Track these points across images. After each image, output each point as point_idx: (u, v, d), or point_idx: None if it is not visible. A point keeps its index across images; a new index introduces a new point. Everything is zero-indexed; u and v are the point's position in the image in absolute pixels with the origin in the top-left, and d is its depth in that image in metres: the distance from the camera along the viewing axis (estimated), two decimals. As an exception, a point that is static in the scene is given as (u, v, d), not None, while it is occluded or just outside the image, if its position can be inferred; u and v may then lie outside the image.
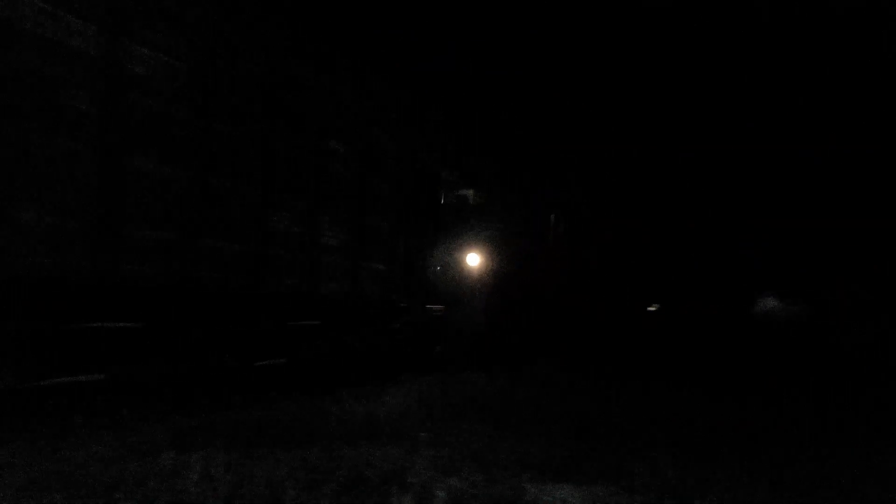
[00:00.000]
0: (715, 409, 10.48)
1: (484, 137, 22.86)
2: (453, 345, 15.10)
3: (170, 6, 8.36)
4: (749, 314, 29.88)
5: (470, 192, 16.82)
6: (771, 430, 8.90)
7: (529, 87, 27.33)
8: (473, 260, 16.04)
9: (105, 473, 5.67)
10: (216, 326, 9.10)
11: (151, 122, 8.01)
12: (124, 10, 7.70)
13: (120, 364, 8.00)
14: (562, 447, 7.70)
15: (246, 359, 9.68)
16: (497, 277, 16.79)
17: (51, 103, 6.93)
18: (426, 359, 13.81)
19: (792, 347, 23.32)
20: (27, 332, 7.10)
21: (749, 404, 10.99)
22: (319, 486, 5.57)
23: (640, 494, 6.24)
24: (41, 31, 6.78)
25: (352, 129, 12.37)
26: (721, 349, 22.43)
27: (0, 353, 6.90)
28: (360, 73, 13.15)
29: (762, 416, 9.87)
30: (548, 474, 6.60)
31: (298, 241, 10.47)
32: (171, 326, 8.41)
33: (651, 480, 6.53)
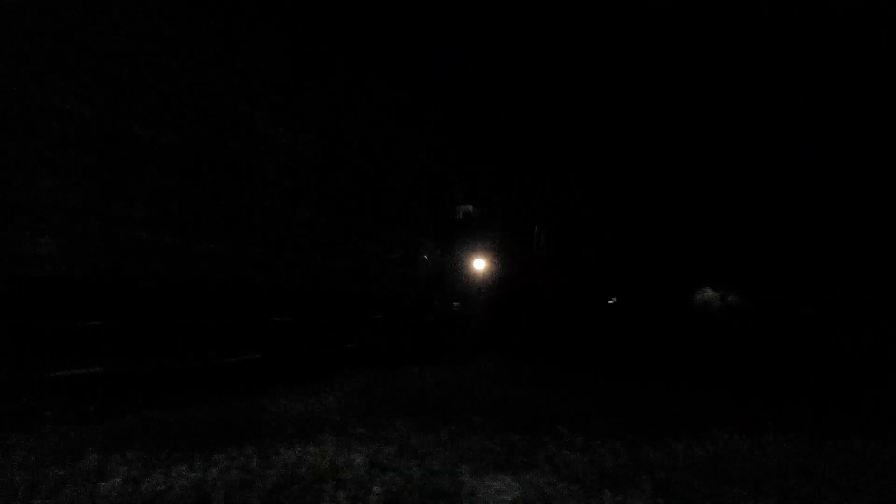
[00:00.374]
0: (656, 398, 10.65)
1: (485, 140, 23.12)
2: (461, 335, 17.76)
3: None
4: (689, 305, 30.73)
5: (473, 208, 19.66)
6: (706, 416, 9.08)
7: (529, 87, 27.32)
8: (479, 265, 19.43)
9: (21, 477, 5.39)
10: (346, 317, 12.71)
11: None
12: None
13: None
14: (504, 438, 7.70)
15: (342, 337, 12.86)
16: (494, 279, 19.83)
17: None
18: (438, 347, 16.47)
19: (727, 335, 24.08)
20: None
21: (685, 392, 11.20)
22: (250, 486, 5.41)
23: (578, 482, 6.27)
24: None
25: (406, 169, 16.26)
26: (665, 338, 22.93)
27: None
28: (425, 130, 15.56)
29: (699, 403, 10.07)
30: (487, 466, 6.57)
31: (378, 258, 14.46)
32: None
33: (590, 468, 6.58)
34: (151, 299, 8.73)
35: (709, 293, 30.35)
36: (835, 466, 6.94)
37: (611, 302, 31.04)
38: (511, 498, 5.85)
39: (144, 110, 8.68)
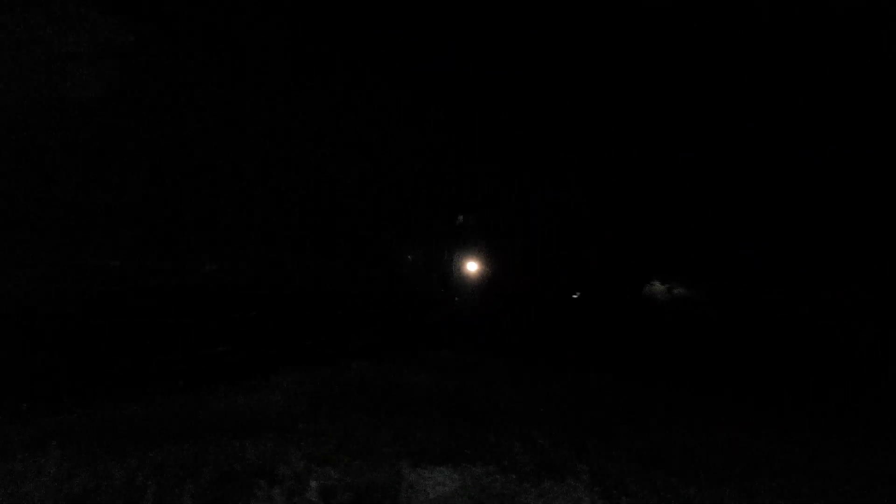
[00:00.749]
0: (602, 390, 10.81)
1: (484, 142, 23.39)
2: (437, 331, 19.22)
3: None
4: (642, 296, 31.28)
5: (467, 216, 22.46)
6: (646, 406, 9.27)
7: (529, 87, 27.23)
8: (471, 267, 22.47)
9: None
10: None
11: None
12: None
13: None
14: (449, 431, 7.72)
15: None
16: (482, 278, 22.74)
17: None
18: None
19: (676, 328, 24.57)
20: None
21: (632, 384, 11.40)
22: (183, 483, 5.32)
23: (516, 472, 6.33)
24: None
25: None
26: (619, 331, 23.28)
27: None
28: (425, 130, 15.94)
29: (640, 394, 10.27)
30: (428, 458, 6.58)
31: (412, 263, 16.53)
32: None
33: (529, 458, 6.64)
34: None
35: (657, 286, 30.88)
36: (770, 452, 7.17)
37: (574, 296, 31.51)
38: (450, 489, 5.87)
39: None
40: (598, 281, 32.85)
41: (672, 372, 13.02)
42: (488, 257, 23.49)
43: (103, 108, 8.79)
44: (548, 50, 26.45)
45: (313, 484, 5.59)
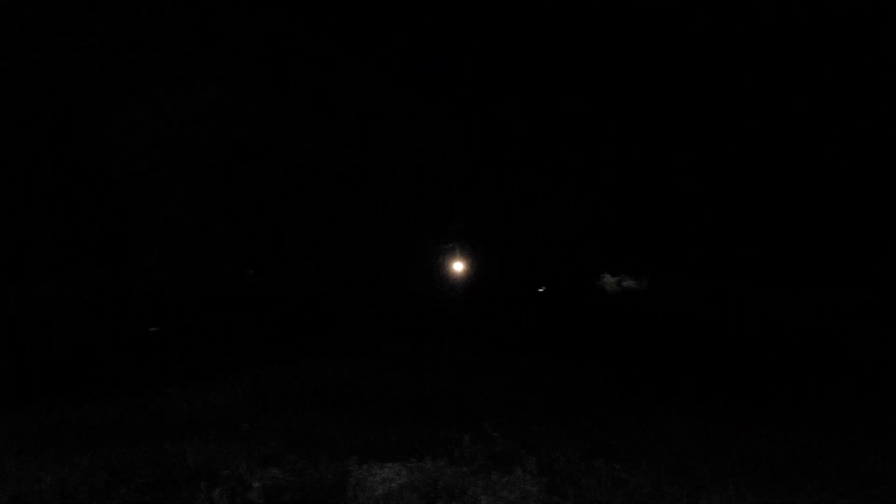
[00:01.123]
0: (553, 380, 10.86)
1: (484, 142, 23.58)
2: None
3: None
4: (595, 289, 31.92)
5: (457, 222, 24.50)
6: (596, 396, 9.34)
7: (529, 87, 27.17)
8: (457, 267, 24.64)
9: None
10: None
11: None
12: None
13: None
14: (399, 427, 7.66)
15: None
16: (466, 277, 25.00)
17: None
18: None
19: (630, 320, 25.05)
20: None
21: (584, 374, 11.47)
22: (117, 488, 5.14)
23: (466, 465, 6.30)
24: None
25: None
26: (574, 323, 23.52)
27: None
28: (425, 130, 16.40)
29: (590, 383, 10.35)
30: (377, 455, 6.50)
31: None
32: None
33: (479, 450, 6.62)
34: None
35: (607, 278, 31.46)
36: (715, 439, 7.29)
37: (540, 290, 32.01)
38: (398, 485, 5.81)
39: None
40: (559, 277, 33.47)
41: (626, 362, 13.17)
42: (472, 259, 25.52)
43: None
44: (548, 50, 26.55)
45: (257, 484, 5.47)
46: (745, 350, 15.15)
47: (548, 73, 26.83)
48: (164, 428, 6.92)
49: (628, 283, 30.78)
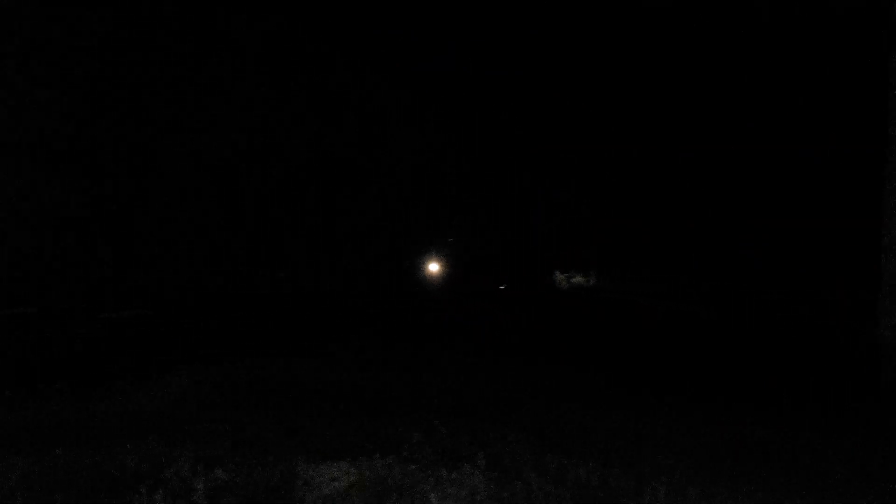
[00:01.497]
0: (505, 374, 10.96)
1: (485, 143, 23.49)
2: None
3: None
4: (546, 284, 32.71)
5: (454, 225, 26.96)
6: (545, 389, 9.47)
7: (529, 87, 26.96)
8: (433, 267, 26.68)
9: None
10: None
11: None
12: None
13: None
14: (348, 424, 7.59)
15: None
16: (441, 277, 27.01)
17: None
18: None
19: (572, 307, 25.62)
20: None
21: (536, 368, 11.63)
22: (52, 494, 4.94)
23: (415, 462, 6.28)
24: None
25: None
26: (529, 319, 23.84)
27: None
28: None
29: (536, 376, 10.49)
30: (325, 454, 6.42)
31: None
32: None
33: (428, 447, 6.61)
34: None
35: (558, 275, 32.25)
36: (660, 429, 7.46)
37: (502, 287, 32.71)
38: (346, 484, 5.75)
39: None
40: (517, 275, 34.40)
41: (611, 360, 13.36)
42: (450, 260, 27.64)
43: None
44: (548, 50, 26.55)
45: (200, 486, 5.32)
46: (740, 349, 15.33)
47: (548, 73, 27.01)
48: (106, 429, 6.69)
49: (577, 279, 31.80)
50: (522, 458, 6.05)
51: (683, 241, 29.31)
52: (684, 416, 8.21)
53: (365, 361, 12.10)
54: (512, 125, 26.88)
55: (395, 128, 15.87)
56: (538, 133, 27.42)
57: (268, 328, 15.04)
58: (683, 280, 29.48)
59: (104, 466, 5.50)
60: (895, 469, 6.55)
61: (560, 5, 26.01)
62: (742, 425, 7.80)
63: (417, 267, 26.34)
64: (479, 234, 29.46)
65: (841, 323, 20.24)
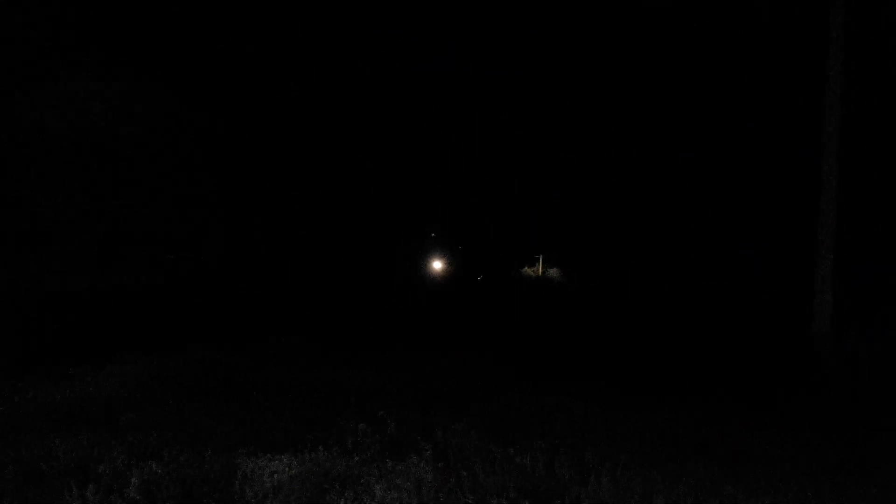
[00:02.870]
0: (460, 366, 10.93)
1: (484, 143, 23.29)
2: None
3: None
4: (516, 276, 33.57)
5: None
6: (500, 379, 9.51)
7: (529, 87, 26.62)
8: (437, 265, 28.30)
9: None
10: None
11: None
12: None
13: None
14: (290, 417, 7.45)
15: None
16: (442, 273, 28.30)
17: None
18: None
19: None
20: None
21: (494, 359, 11.61)
22: (-27, 489, 4.68)
23: (360, 454, 6.20)
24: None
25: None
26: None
27: None
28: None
29: (496, 367, 10.57)
30: (268, 447, 6.27)
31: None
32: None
33: (374, 439, 6.54)
34: None
35: (525, 269, 33.09)
36: (617, 424, 7.57)
37: (479, 278, 33.19)
38: (288, 476, 5.63)
39: None
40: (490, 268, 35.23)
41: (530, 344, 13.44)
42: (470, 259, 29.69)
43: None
44: (547, 50, 26.40)
45: (135, 480, 5.13)
46: (684, 342, 15.44)
47: (548, 73, 26.99)
48: (31, 421, 6.38)
49: (550, 272, 32.88)
50: (470, 448, 6.03)
51: (648, 242, 29.91)
52: (628, 408, 8.35)
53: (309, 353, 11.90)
54: (512, 125, 27.04)
55: (394, 128, 15.92)
56: (537, 133, 27.66)
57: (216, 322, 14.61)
58: (644, 278, 30.13)
59: (32, 459, 5.25)
60: (825, 452, 6.81)
61: (560, 5, 26.16)
62: (681, 416, 7.98)
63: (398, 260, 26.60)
64: (503, 232, 30.67)
65: (781, 319, 20.79)
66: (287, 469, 5.77)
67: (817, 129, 15.20)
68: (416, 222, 26.21)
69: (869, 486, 5.80)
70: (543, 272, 36.42)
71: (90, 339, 11.16)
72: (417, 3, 20.47)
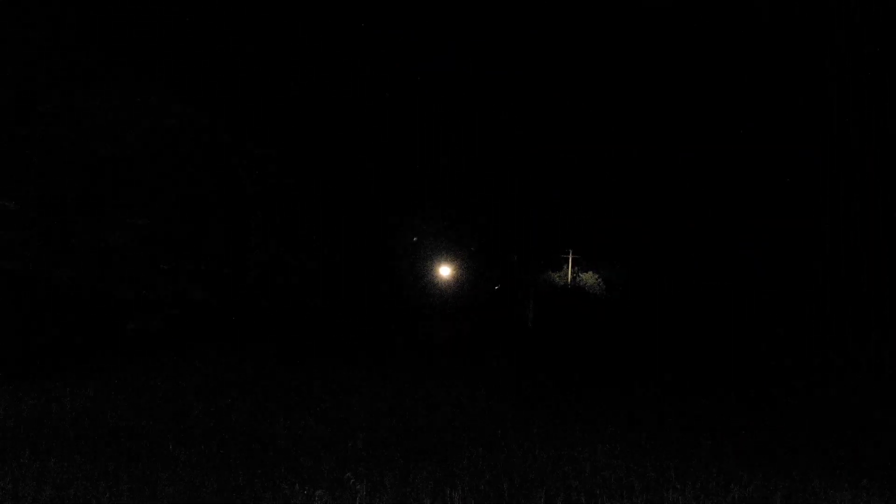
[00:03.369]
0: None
1: (484, 143, 23.38)
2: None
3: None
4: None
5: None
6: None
7: (529, 87, 26.57)
8: (445, 271, 28.21)
9: None
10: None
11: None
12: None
13: None
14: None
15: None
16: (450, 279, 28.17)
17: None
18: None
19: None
20: None
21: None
22: None
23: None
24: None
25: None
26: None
27: None
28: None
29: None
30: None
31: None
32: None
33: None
34: None
35: (551, 274, 34.48)
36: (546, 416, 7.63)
37: (496, 288, 33.32)
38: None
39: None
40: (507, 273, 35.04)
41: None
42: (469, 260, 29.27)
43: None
44: (548, 50, 26.08)
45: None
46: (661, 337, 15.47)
47: (548, 73, 26.68)
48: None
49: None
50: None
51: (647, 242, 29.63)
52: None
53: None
54: (512, 125, 26.81)
55: (394, 128, 15.85)
56: (536, 133, 27.35)
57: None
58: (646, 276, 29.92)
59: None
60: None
61: (560, 5, 25.63)
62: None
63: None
64: (503, 232, 30.61)
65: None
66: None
67: (817, 129, 14.86)
68: (417, 223, 25.69)
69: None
70: (574, 278, 36.09)
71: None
72: (417, 3, 20.17)
